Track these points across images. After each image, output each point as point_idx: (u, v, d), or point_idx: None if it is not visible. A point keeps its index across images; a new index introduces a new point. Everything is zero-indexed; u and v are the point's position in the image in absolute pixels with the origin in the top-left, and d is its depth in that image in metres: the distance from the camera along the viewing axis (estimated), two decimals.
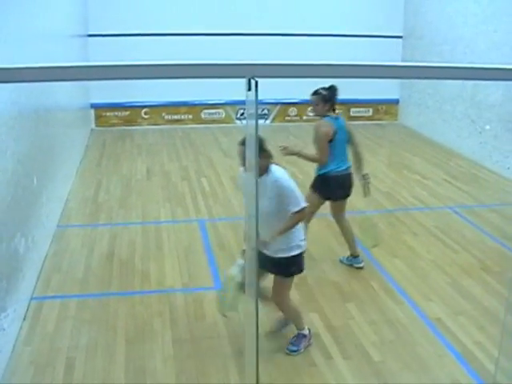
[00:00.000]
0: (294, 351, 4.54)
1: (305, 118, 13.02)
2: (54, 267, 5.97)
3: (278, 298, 4.49)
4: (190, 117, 12.95)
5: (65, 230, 6.96)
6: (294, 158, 5.68)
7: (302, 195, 4.38)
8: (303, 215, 4.38)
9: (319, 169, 5.67)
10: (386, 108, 13.50)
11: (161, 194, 8.26)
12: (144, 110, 12.74)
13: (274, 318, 4.72)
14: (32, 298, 5.32)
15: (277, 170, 4.27)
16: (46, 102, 6.84)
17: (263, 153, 4.10)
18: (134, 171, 9.33)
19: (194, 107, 12.88)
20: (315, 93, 5.54)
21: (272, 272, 4.43)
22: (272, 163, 4.26)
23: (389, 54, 12.42)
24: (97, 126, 12.57)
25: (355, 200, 6.29)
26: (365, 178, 5.71)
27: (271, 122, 13.02)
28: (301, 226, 4.46)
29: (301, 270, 4.52)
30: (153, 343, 4.66)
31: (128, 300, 5.30)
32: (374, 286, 5.67)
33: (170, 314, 5.07)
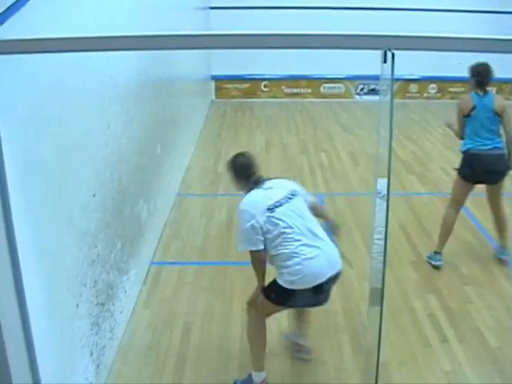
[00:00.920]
0: None
1: (425, 95, 12.54)
2: (173, 234, 6.11)
3: (252, 303, 3.86)
4: (309, 91, 12.84)
5: (184, 198, 7.11)
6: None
7: (248, 237, 3.62)
8: (252, 257, 3.69)
9: (461, 146, 5.42)
10: (510, 87, 12.62)
11: (279, 166, 8.22)
12: (264, 83, 12.77)
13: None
14: (152, 263, 5.47)
15: (246, 198, 3.75)
16: (170, 73, 6.98)
17: (241, 176, 3.81)
18: (253, 143, 9.35)
19: (313, 81, 12.74)
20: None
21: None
22: (252, 189, 3.75)
23: None
24: (217, 97, 12.76)
25: None
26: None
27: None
28: (310, 263, 3.55)
29: (282, 304, 3.75)
30: None
31: (245, 270, 5.29)
32: (493, 270, 5.36)
33: None
